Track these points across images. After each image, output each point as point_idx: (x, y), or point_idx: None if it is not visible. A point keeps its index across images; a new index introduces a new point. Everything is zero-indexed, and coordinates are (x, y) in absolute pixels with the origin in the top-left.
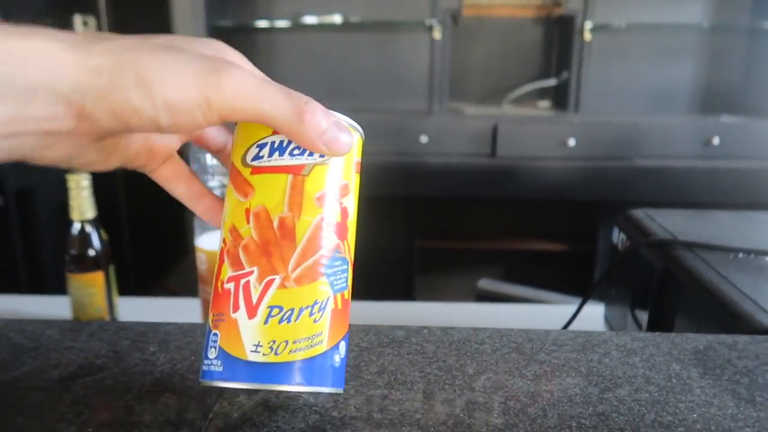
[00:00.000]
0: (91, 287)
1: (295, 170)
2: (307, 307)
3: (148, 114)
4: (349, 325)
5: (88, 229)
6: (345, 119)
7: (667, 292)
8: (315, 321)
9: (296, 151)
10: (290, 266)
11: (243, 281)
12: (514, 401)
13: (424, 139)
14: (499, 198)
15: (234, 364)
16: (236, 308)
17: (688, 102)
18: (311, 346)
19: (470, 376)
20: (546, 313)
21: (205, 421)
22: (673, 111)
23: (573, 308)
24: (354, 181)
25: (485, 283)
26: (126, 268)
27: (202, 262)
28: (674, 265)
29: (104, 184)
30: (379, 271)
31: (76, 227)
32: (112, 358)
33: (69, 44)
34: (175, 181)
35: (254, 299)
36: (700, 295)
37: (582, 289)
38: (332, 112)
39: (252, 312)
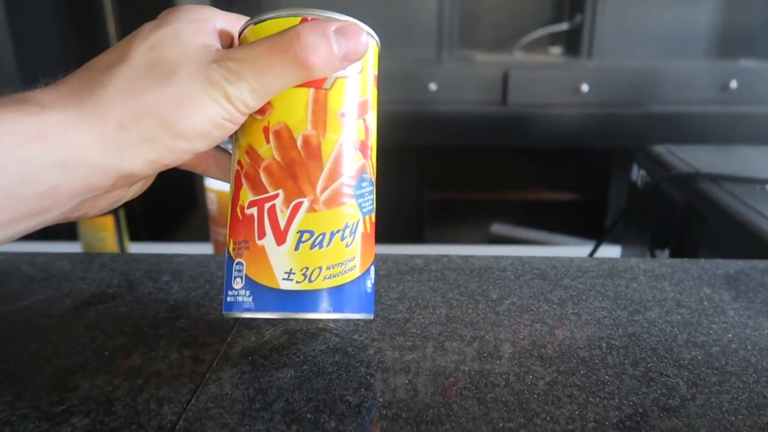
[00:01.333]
0: (102, 231)
1: (316, 84)
2: (338, 231)
3: (184, 149)
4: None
5: None
6: (356, 23)
7: (691, 226)
8: (347, 245)
9: None
10: (318, 188)
11: (267, 205)
12: (541, 324)
13: (433, 87)
14: (509, 146)
15: (264, 294)
16: (262, 235)
17: (705, 45)
18: (345, 272)
19: (493, 301)
20: (562, 254)
21: (223, 344)
22: (690, 55)
23: (588, 249)
24: (373, 96)
25: (498, 228)
26: (134, 225)
27: (212, 203)
28: (698, 198)
29: None
30: (388, 221)
31: None
32: (124, 287)
33: (78, 109)
34: (203, 167)
35: (282, 224)
36: (727, 226)
37: (593, 237)
38: (334, 16)
39: (281, 238)
